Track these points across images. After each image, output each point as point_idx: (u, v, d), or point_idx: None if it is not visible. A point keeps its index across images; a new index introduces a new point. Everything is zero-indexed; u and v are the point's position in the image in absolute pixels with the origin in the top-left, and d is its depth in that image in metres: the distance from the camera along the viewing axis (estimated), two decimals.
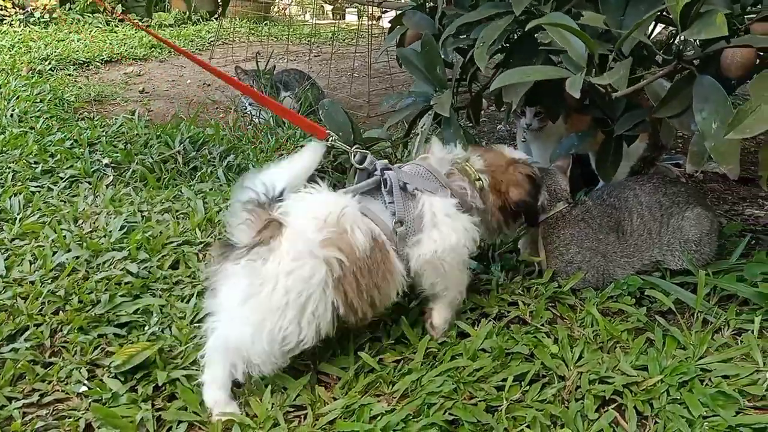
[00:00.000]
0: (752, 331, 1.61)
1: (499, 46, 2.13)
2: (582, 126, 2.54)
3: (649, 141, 2.60)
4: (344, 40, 7.24)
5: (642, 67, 1.85)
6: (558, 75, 1.55)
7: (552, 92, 2.42)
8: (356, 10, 7.55)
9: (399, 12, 3.18)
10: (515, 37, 2.12)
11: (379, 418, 1.38)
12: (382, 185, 1.60)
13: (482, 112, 4.31)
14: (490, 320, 1.71)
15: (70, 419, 1.36)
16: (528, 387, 1.48)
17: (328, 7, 10.32)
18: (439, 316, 1.67)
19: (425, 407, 1.40)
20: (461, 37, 2.52)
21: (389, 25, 3.14)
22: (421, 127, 2.47)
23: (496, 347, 1.56)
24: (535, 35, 2.03)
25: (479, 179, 1.73)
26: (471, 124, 2.96)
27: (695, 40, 1.83)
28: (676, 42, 1.72)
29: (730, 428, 1.33)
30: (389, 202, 1.58)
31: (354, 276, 1.44)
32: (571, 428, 1.37)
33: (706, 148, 1.58)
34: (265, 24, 7.92)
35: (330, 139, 1.77)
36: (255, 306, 1.36)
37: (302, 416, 1.41)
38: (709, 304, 1.78)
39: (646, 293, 1.86)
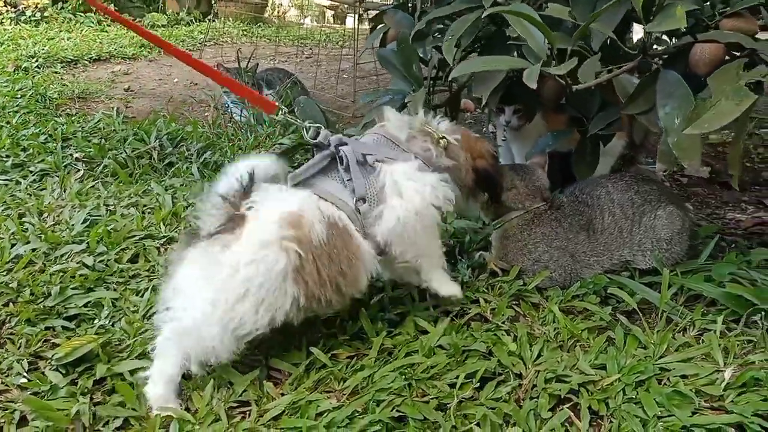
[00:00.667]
0: (715, 331, 1.57)
1: (471, 42, 2.10)
2: (561, 125, 2.51)
3: (627, 139, 2.57)
4: (337, 42, 7.23)
5: (613, 64, 1.82)
6: (517, 65, 1.52)
7: (527, 90, 2.39)
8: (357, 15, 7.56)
9: (380, 11, 3.16)
10: (489, 32, 2.10)
11: (325, 414, 1.34)
12: (338, 162, 1.53)
13: (469, 114, 4.31)
14: (449, 317, 1.67)
15: (6, 411, 1.32)
16: (482, 385, 1.44)
17: (330, 12, 10.35)
18: (438, 284, 1.65)
19: (373, 404, 1.36)
20: (439, 36, 2.50)
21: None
22: None
23: (453, 344, 1.52)
24: (506, 30, 2.00)
25: (443, 137, 1.66)
26: None
27: (662, 35, 1.81)
28: (643, 38, 1.68)
29: (685, 428, 1.28)
30: (347, 180, 1.51)
31: (314, 265, 1.40)
32: (522, 427, 1.32)
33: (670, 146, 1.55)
34: (258, 26, 7.91)
35: (280, 113, 1.70)
36: (210, 287, 1.33)
37: (247, 412, 1.37)
38: (675, 304, 1.74)
39: (612, 293, 1.82)
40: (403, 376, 1.43)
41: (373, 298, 1.74)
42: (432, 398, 1.40)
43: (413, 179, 1.54)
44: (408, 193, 1.52)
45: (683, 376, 1.44)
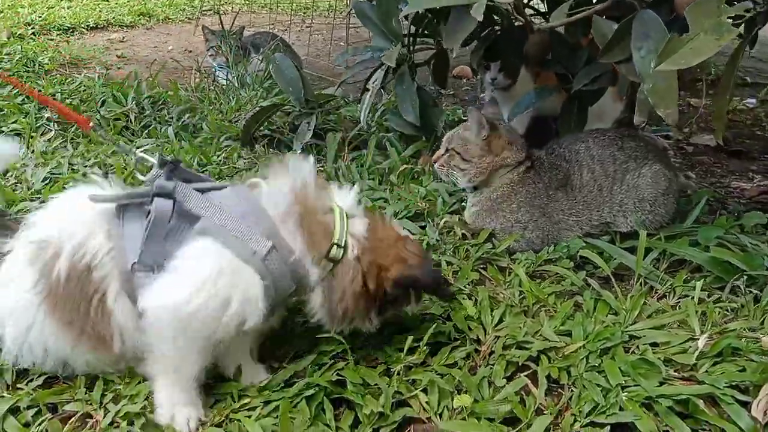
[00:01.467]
0: (692, 297, 1.44)
1: None
2: (551, 83, 2.37)
3: (625, 100, 2.42)
4: (339, 11, 7.04)
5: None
6: (465, 2, 1.38)
7: (511, 47, 2.26)
8: None
9: None
10: None
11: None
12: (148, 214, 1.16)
13: (465, 80, 4.15)
14: None
15: None
16: (436, 351, 1.34)
17: None
18: (161, 392, 1.17)
19: (314, 367, 1.26)
20: None
21: None
22: (373, 83, 2.31)
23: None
24: None
25: (342, 246, 1.19)
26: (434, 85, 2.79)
27: None
28: None
29: (649, 399, 1.17)
30: (145, 237, 1.14)
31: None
32: (473, 394, 1.22)
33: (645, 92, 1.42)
34: None
35: (97, 132, 1.48)
36: None
37: None
38: (656, 269, 1.61)
39: (589, 259, 1.70)
40: (349, 340, 1.33)
41: None
42: (380, 363, 1.31)
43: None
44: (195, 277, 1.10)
45: (653, 344, 1.33)
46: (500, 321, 1.43)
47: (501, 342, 1.35)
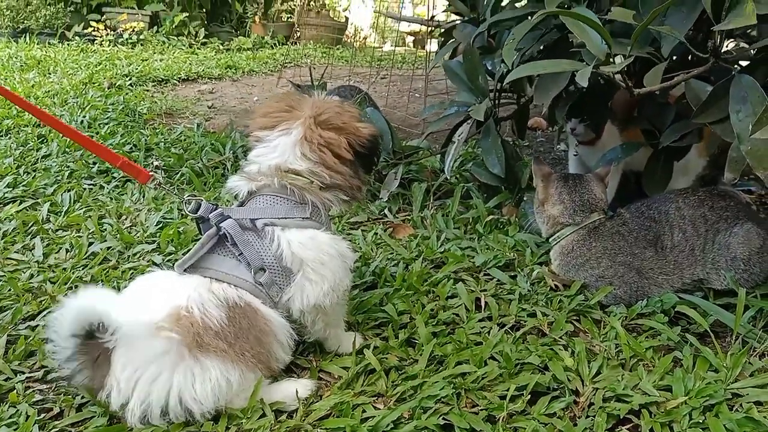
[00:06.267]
0: None
1: (536, 50, 2.07)
2: (636, 140, 2.41)
3: (708, 157, 2.43)
4: (412, 63, 7.29)
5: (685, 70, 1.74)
6: (574, 68, 1.47)
7: (595, 102, 2.33)
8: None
9: (450, 25, 3.17)
10: (552, 39, 2.05)
11: (370, 418, 1.32)
12: (225, 240, 1.43)
13: (540, 132, 4.22)
14: (504, 329, 1.62)
15: (68, 396, 1.39)
16: (535, 400, 1.38)
17: (410, 38, 10.48)
18: (334, 342, 1.56)
19: (420, 410, 1.33)
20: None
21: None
22: (458, 136, 2.42)
23: (506, 356, 1.47)
24: (569, 37, 1.95)
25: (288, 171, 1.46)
26: (515, 138, 2.88)
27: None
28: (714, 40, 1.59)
29: None
30: (239, 254, 1.42)
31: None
32: None
33: (743, 156, 1.46)
34: (337, 48, 8.12)
35: (154, 182, 1.59)
36: None
37: (294, 412, 1.38)
38: (753, 327, 1.61)
39: (682, 314, 1.71)
40: (452, 385, 1.40)
41: (425, 305, 1.72)
42: (481, 409, 1.36)
43: (319, 252, 1.44)
44: (321, 271, 1.44)
45: (758, 403, 1.33)
46: (598, 373, 1.46)
47: (600, 394, 1.38)
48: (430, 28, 5.18)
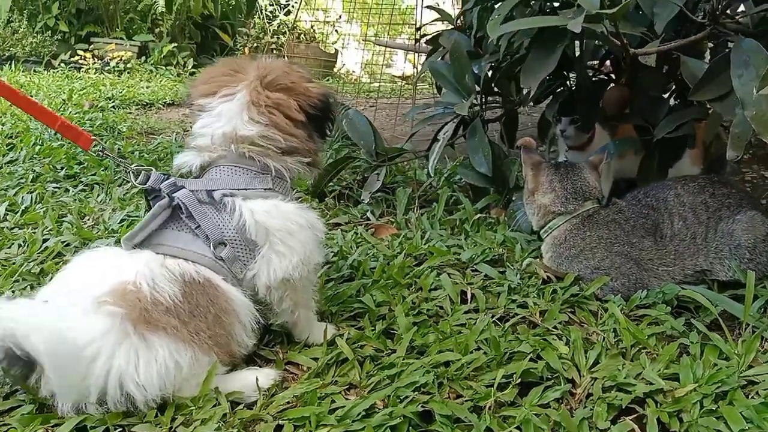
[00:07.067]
0: None
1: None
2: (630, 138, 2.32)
3: (703, 163, 2.33)
4: (403, 94, 7.27)
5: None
6: (559, 22, 1.36)
7: (586, 100, 2.24)
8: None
9: (436, 34, 3.11)
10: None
11: (340, 409, 1.16)
12: (179, 211, 1.29)
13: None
14: (492, 319, 1.47)
15: None
16: (527, 390, 1.23)
17: (401, 83, 10.52)
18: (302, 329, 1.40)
19: (395, 399, 1.17)
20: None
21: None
22: (443, 134, 2.31)
23: (493, 342, 1.32)
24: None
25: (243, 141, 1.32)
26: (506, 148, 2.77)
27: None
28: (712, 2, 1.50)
29: None
30: (196, 227, 1.27)
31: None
32: None
33: (748, 129, 1.35)
34: (327, 79, 8.11)
35: (97, 148, 1.46)
36: None
37: (253, 404, 1.21)
38: (763, 316, 1.47)
39: (685, 306, 1.57)
40: (433, 373, 1.24)
41: (406, 297, 1.57)
42: (466, 400, 1.20)
43: (286, 221, 1.30)
44: (289, 242, 1.30)
45: None
46: (596, 362, 1.31)
47: (599, 384, 1.23)
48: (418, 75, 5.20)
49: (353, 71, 10.48)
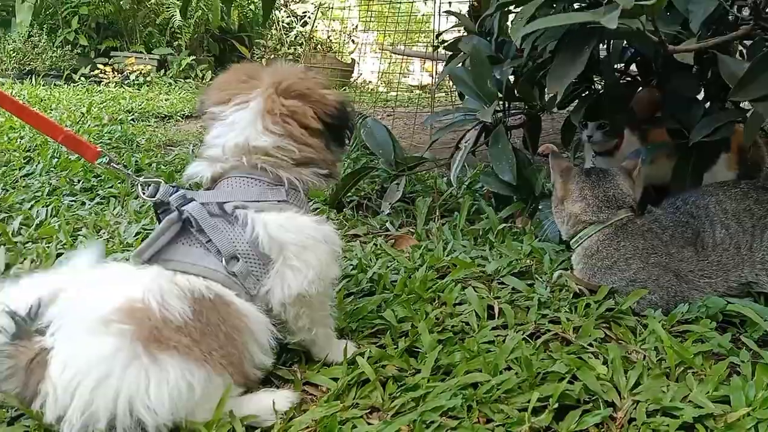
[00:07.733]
0: None
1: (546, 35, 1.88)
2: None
3: (739, 168, 2.22)
4: (420, 103, 7.21)
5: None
6: (590, 18, 1.28)
7: (614, 103, 2.15)
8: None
9: (455, 39, 3.03)
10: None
11: None
12: (189, 225, 1.22)
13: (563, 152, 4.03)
14: (522, 336, 1.38)
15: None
16: (563, 414, 1.13)
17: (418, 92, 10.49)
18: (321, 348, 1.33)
19: (421, 424, 1.09)
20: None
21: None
22: (465, 142, 2.23)
23: (525, 362, 1.23)
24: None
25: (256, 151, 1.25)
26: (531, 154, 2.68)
27: None
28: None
29: None
30: (207, 242, 1.21)
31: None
32: None
33: None
34: (344, 89, 8.09)
35: (104, 160, 1.40)
36: None
37: (270, 429, 1.14)
38: None
39: (730, 321, 1.47)
40: (461, 396, 1.15)
41: (429, 313, 1.49)
42: (497, 425, 1.11)
43: (301, 234, 1.23)
44: (304, 257, 1.22)
45: None
46: (637, 384, 1.21)
47: (642, 408, 1.14)
48: (437, 82, 5.14)
49: (370, 81, 10.46)
